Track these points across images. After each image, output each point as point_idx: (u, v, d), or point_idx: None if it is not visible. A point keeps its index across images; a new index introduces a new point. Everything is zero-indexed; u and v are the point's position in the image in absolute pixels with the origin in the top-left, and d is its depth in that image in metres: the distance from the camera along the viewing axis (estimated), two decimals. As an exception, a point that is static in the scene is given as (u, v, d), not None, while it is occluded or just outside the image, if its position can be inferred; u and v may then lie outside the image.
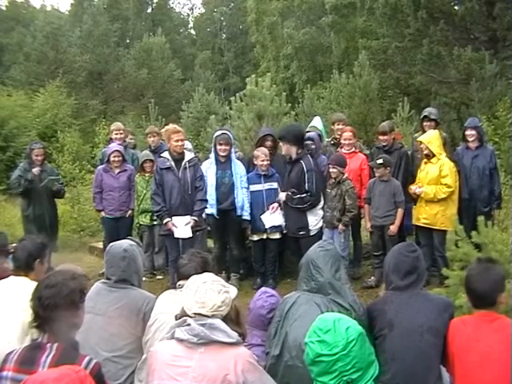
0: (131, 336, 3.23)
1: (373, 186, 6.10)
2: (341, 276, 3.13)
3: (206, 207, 6.02)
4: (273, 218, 6.03)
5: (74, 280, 2.46)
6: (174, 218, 5.77)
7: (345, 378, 2.21)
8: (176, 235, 5.78)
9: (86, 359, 2.29)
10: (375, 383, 2.29)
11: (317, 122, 7.38)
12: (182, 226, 5.76)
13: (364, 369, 2.24)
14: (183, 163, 5.83)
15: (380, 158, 6.01)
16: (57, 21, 26.63)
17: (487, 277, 2.73)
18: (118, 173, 6.91)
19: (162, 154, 6.01)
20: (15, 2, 39.67)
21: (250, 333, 3.28)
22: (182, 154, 5.88)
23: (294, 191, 5.81)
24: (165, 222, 5.80)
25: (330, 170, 6.02)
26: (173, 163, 5.83)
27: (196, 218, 5.82)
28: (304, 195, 5.80)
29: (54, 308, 2.34)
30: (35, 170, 6.94)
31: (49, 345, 2.31)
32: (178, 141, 5.81)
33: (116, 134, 7.46)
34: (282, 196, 5.96)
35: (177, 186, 5.78)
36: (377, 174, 6.05)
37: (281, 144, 5.93)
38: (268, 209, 6.12)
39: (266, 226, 6.00)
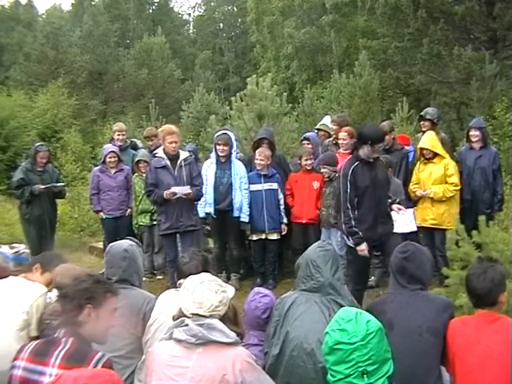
0: (131, 336, 3.23)
1: None
2: (340, 276, 3.18)
3: (200, 197, 5.96)
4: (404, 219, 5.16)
5: (110, 287, 2.56)
6: (173, 188, 5.68)
7: (360, 369, 2.26)
8: (178, 195, 5.66)
9: (99, 354, 2.32)
10: (389, 382, 2.31)
11: (327, 120, 7.40)
12: (181, 191, 5.68)
13: (379, 363, 2.29)
14: (178, 162, 5.81)
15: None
16: (57, 21, 26.64)
17: (488, 276, 2.73)
18: (115, 173, 6.92)
19: (156, 154, 5.97)
20: (18, 2, 39.62)
21: (246, 333, 3.28)
22: (177, 153, 5.86)
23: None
24: (167, 192, 5.64)
25: (322, 170, 6.05)
26: (168, 162, 5.80)
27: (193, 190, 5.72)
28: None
29: (73, 300, 2.42)
30: (40, 188, 6.96)
31: (64, 339, 2.36)
32: (171, 142, 5.78)
33: (118, 134, 7.46)
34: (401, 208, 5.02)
35: (172, 184, 5.75)
36: None
37: (381, 146, 5.04)
38: (266, 209, 6.15)
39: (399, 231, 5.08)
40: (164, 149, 5.88)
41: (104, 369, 2.15)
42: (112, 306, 2.54)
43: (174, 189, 5.65)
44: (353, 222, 4.78)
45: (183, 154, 5.89)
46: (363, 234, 4.82)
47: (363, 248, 4.78)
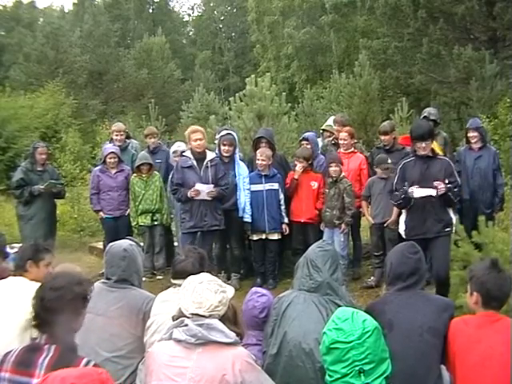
0: (131, 336, 3.23)
1: (372, 184, 6.10)
2: (338, 277, 3.17)
3: (224, 197, 5.99)
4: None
5: (79, 285, 2.44)
6: (197, 185, 5.77)
7: (357, 368, 2.26)
8: (201, 195, 5.75)
9: (84, 361, 2.27)
10: (386, 382, 2.31)
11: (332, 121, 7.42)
12: (204, 189, 5.76)
13: (376, 362, 2.30)
14: (205, 162, 5.88)
15: (381, 163, 5.98)
16: (58, 21, 26.67)
17: (506, 279, 2.74)
18: (115, 173, 6.90)
19: (184, 154, 6.08)
20: (21, 2, 39.64)
21: (245, 333, 3.27)
22: (204, 153, 5.92)
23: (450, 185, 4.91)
24: (191, 191, 5.73)
25: (333, 168, 6.02)
26: (194, 162, 5.88)
27: (216, 189, 5.80)
28: (456, 189, 4.97)
29: (55, 311, 2.33)
30: (40, 188, 6.97)
31: (46, 346, 2.30)
32: (196, 140, 5.87)
33: (117, 135, 7.44)
34: (442, 186, 4.79)
35: None
36: (383, 175, 6.02)
37: (422, 144, 4.91)
38: (266, 209, 6.16)
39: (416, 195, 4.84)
40: (191, 149, 5.96)
41: (92, 367, 2.11)
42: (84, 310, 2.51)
43: (198, 186, 5.74)
44: (395, 194, 5.05)
45: (210, 155, 5.95)
46: (413, 229, 4.98)
47: (411, 189, 4.84)
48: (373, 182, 6.11)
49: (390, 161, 6.01)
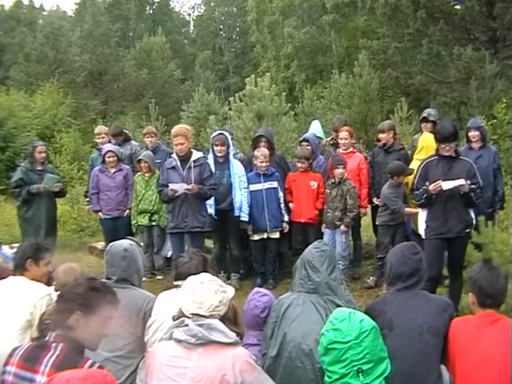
0: (131, 336, 3.23)
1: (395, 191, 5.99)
2: (336, 276, 3.16)
3: (209, 197, 5.93)
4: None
5: (108, 295, 2.45)
6: (171, 185, 5.72)
7: (355, 368, 2.26)
8: (180, 191, 5.70)
9: (89, 363, 2.27)
10: (386, 383, 2.30)
11: (316, 126, 7.39)
12: (177, 188, 5.71)
13: (375, 362, 2.29)
14: (189, 163, 5.85)
15: (404, 172, 5.94)
16: (58, 21, 26.65)
17: (501, 278, 2.75)
18: (114, 172, 6.90)
19: (171, 155, 6.07)
20: (21, 2, 39.67)
21: (245, 333, 3.28)
22: (189, 154, 5.89)
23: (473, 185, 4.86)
24: (167, 190, 5.72)
25: (339, 170, 6.01)
26: (178, 163, 5.86)
27: (194, 186, 5.70)
28: (478, 190, 4.90)
29: (70, 305, 2.36)
30: (40, 187, 6.96)
31: (54, 345, 2.30)
32: (177, 145, 5.84)
33: (98, 138, 7.45)
34: (466, 185, 4.72)
35: None
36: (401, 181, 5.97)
37: (446, 147, 4.83)
38: (267, 208, 6.16)
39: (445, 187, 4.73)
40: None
41: (97, 369, 2.11)
42: (107, 315, 2.45)
43: (172, 186, 5.70)
44: (416, 193, 4.92)
45: (195, 155, 5.91)
46: (434, 229, 4.88)
47: (432, 187, 4.72)
48: (391, 189, 5.97)
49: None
